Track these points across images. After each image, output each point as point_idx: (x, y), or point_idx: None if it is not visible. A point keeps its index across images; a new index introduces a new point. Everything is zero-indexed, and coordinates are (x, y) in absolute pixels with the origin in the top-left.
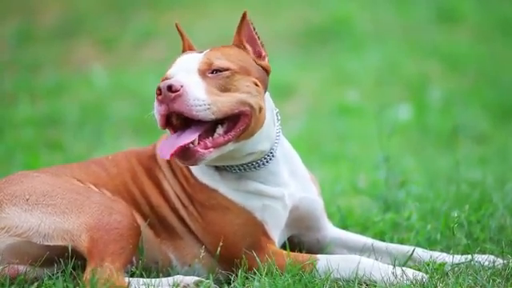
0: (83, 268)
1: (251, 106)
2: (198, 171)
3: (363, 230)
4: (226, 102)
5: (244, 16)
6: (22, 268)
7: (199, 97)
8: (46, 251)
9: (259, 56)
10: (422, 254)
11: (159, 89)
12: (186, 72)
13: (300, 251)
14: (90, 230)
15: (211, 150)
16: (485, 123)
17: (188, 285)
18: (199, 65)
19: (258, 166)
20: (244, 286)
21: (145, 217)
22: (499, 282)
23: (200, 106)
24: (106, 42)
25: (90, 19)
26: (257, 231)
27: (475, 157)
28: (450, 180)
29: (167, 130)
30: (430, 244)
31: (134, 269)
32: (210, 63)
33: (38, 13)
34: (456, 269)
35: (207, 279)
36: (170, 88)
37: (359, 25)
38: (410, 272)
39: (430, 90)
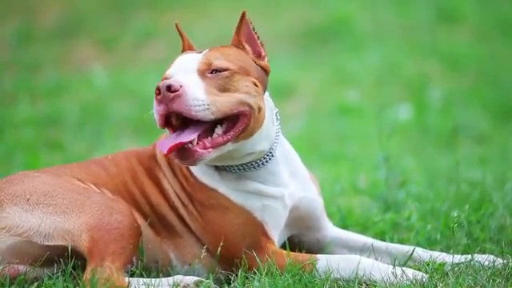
0: (83, 268)
1: (250, 106)
2: (198, 171)
3: (363, 229)
4: (225, 102)
5: (243, 16)
6: (22, 268)
7: (198, 97)
8: (46, 251)
9: (259, 56)
10: (421, 253)
11: (158, 89)
12: (185, 72)
13: (300, 251)
14: (91, 229)
15: (210, 150)
16: (485, 123)
17: (188, 285)
18: (198, 65)
19: (258, 166)
20: (244, 285)
21: (145, 216)
22: (499, 282)
23: (199, 106)
24: (106, 41)
25: (90, 19)
26: (256, 231)
27: (475, 157)
28: (449, 180)
29: (166, 129)
30: (430, 244)
31: (134, 269)
32: (209, 63)
33: (38, 13)
34: (456, 269)
35: (207, 279)
36: (169, 88)
37: (359, 25)
38: (409, 272)
39: (430, 90)
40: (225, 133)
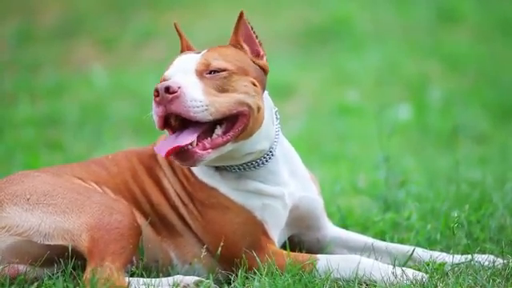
0: (83, 268)
1: (249, 106)
2: (199, 170)
3: (363, 229)
4: (223, 103)
5: (241, 16)
6: (22, 268)
7: (197, 98)
8: (46, 251)
9: (257, 55)
10: (421, 253)
11: (157, 90)
12: (183, 73)
13: (300, 251)
14: (91, 229)
15: (210, 151)
16: (485, 123)
17: (188, 285)
18: (197, 66)
19: (258, 166)
20: (244, 285)
21: (145, 215)
22: (499, 282)
23: (198, 107)
24: (106, 41)
25: (90, 19)
26: (256, 230)
27: (475, 157)
28: (449, 180)
29: (166, 131)
30: (430, 244)
31: (134, 268)
32: (207, 64)
33: (38, 13)
34: (456, 269)
35: (207, 279)
36: (167, 89)
37: (359, 25)
38: (409, 272)
39: (430, 90)
40: (224, 133)
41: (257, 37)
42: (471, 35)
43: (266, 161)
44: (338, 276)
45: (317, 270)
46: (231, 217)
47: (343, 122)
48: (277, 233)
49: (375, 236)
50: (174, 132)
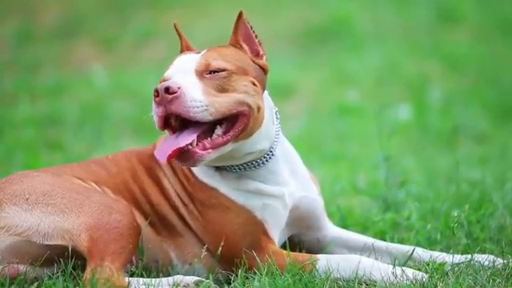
0: (83, 268)
1: (249, 106)
2: (199, 170)
3: (363, 229)
4: (223, 103)
5: (240, 15)
6: (21, 268)
7: (196, 98)
8: (45, 251)
9: (257, 55)
10: (421, 253)
11: (156, 91)
12: (183, 73)
13: (300, 251)
14: (90, 229)
15: (210, 151)
16: (485, 123)
17: (188, 284)
18: (196, 66)
19: (258, 166)
20: (244, 285)
21: (145, 215)
22: (499, 282)
23: (197, 107)
24: (106, 41)
25: (90, 19)
26: (257, 230)
27: (475, 157)
28: (449, 180)
29: (166, 131)
30: (430, 244)
31: (133, 268)
32: (207, 64)
33: (37, 13)
34: (456, 268)
35: (207, 279)
36: (167, 90)
37: (359, 25)
38: (409, 272)
39: (430, 89)
40: (224, 133)
41: (256, 36)
42: (471, 35)
43: (267, 161)
44: (338, 276)
45: (317, 270)
46: (231, 217)
47: (343, 121)
48: (277, 233)
49: (375, 236)
50: (174, 132)
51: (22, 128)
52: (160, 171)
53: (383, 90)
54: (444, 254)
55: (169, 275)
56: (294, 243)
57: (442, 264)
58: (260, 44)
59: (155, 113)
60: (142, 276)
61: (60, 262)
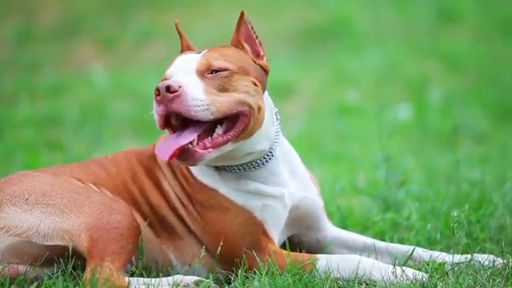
0: (83, 268)
1: (250, 106)
2: (198, 171)
3: (363, 229)
4: (224, 102)
5: (242, 15)
6: (21, 268)
7: (197, 97)
8: (45, 251)
9: (257, 55)
10: (421, 253)
11: (158, 89)
12: (184, 72)
13: (300, 251)
14: (90, 229)
15: (210, 150)
16: (485, 123)
17: (188, 284)
18: (197, 65)
19: (258, 166)
20: (244, 285)
21: (145, 216)
22: (499, 282)
23: (198, 106)
24: (106, 41)
25: (90, 19)
26: (256, 231)
27: (475, 156)
28: (449, 179)
29: (166, 130)
30: (430, 243)
31: (133, 268)
32: (208, 64)
33: (37, 13)
34: (456, 268)
35: (207, 279)
36: (168, 88)
37: (359, 25)
38: (409, 271)
39: (430, 90)
40: (225, 133)
41: (257, 37)
42: (471, 35)
43: (266, 161)
44: (338, 276)
45: (317, 270)
46: (231, 217)
47: (343, 121)
48: (277, 233)
49: (375, 236)
50: (174, 132)
51: (22, 128)
52: (159, 172)
53: (383, 89)
54: (444, 253)
55: (169, 275)
56: (293, 243)
57: (442, 264)
58: (260, 45)
59: (156, 111)
60: (141, 276)
61: (60, 262)
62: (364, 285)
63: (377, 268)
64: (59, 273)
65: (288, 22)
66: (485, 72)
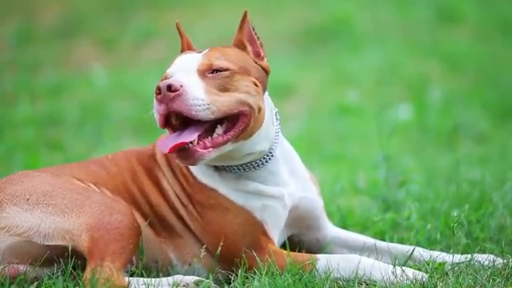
0: (83, 268)
1: (250, 106)
2: (198, 171)
3: (363, 229)
4: (225, 102)
5: (245, 15)
6: (22, 268)
7: (198, 96)
8: (46, 251)
9: (258, 56)
10: (421, 253)
11: (158, 88)
12: (185, 72)
13: (300, 251)
14: (91, 229)
15: (210, 149)
16: (485, 123)
17: (188, 284)
18: (198, 65)
19: (258, 166)
20: (244, 285)
21: (145, 216)
22: (499, 282)
23: (199, 105)
24: (106, 41)
25: (90, 19)
26: (256, 231)
27: (475, 156)
28: (449, 179)
29: (166, 129)
30: (430, 243)
31: (134, 268)
32: (209, 63)
33: (38, 13)
34: (456, 268)
35: (207, 279)
36: (169, 87)
37: (359, 25)
38: (410, 271)
39: (430, 89)
40: (225, 132)
41: (258, 38)
42: (471, 35)
43: (266, 161)
44: (338, 276)
45: (317, 270)
46: (231, 217)
47: (343, 121)
48: (277, 233)
49: (375, 236)
50: (174, 131)
51: (22, 128)
52: (159, 172)
53: (383, 89)
54: (444, 253)
55: (169, 275)
56: (293, 243)
57: (442, 264)
58: (261, 45)
59: (156, 110)
60: (142, 276)
61: (60, 261)
62: (364, 285)
63: (377, 268)
64: (59, 273)
65: (288, 22)
66: (485, 72)
